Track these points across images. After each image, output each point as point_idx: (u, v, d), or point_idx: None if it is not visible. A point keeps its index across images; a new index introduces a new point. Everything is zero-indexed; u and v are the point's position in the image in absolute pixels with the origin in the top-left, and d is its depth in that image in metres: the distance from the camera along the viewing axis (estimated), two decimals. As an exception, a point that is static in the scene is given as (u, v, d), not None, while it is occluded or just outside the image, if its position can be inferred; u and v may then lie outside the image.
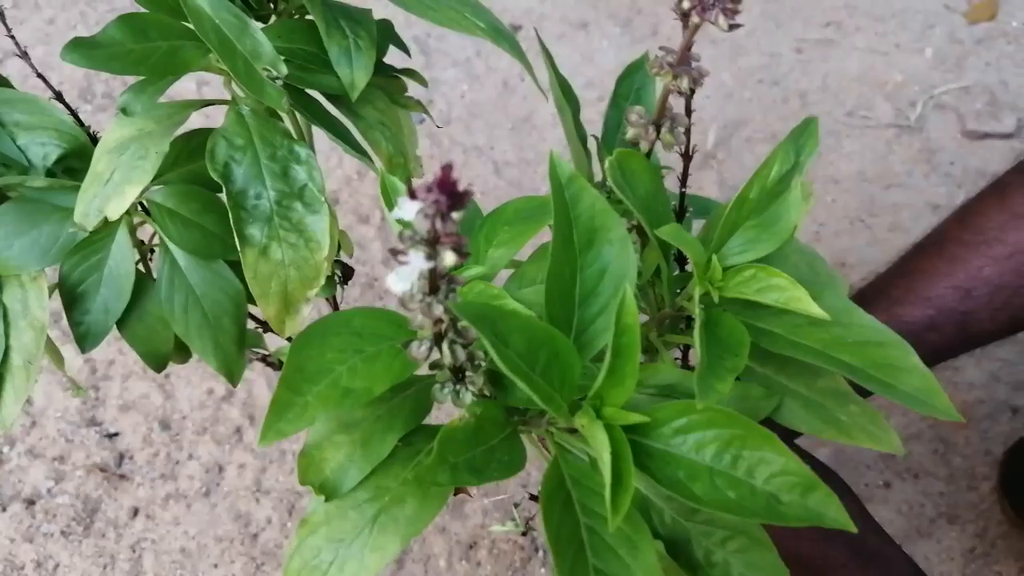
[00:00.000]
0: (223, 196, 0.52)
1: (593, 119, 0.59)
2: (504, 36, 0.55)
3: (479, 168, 1.24)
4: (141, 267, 0.61)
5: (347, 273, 0.76)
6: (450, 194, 0.27)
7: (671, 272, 0.51)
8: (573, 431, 0.42)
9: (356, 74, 0.53)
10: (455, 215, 0.28)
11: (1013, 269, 0.69)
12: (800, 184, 0.47)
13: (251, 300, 0.55)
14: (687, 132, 0.46)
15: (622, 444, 0.38)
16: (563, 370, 0.39)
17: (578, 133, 0.57)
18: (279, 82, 0.51)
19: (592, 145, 0.59)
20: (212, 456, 1.02)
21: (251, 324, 0.66)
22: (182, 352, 0.64)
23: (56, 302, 0.57)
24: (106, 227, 0.56)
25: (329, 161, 1.22)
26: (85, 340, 0.58)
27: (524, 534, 0.98)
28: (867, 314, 0.48)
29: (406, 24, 1.26)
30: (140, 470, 1.01)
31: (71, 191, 0.54)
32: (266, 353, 0.77)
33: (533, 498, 0.95)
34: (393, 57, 0.61)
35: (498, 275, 0.51)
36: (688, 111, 0.45)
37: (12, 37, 0.61)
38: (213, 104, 0.56)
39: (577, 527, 0.39)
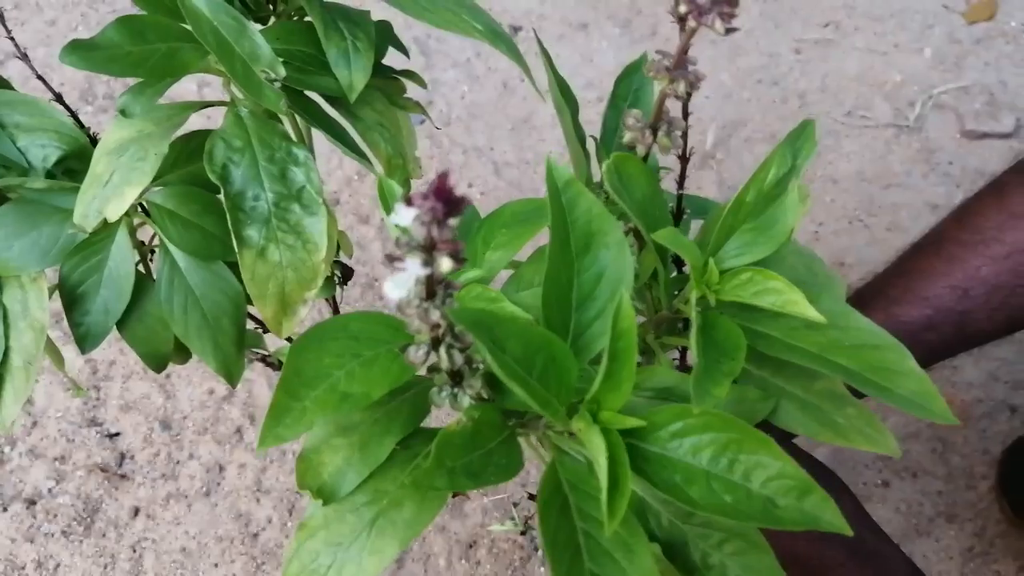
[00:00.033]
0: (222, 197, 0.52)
1: (592, 120, 0.59)
2: (501, 38, 0.55)
3: (479, 169, 1.24)
4: (141, 268, 0.61)
5: (347, 274, 0.76)
6: (446, 201, 0.27)
7: (668, 275, 0.51)
8: (571, 434, 0.42)
9: (354, 76, 0.53)
10: (451, 221, 0.28)
11: (1011, 269, 0.69)
12: (797, 187, 0.47)
13: (250, 301, 0.55)
14: (684, 135, 0.46)
15: (618, 448, 0.38)
16: (560, 375, 0.39)
17: (577, 134, 0.57)
18: (277, 84, 0.51)
19: (591, 146, 0.59)
20: (213, 456, 1.02)
21: (251, 324, 0.66)
22: (182, 353, 0.64)
23: (56, 303, 0.57)
24: (106, 228, 0.56)
25: (330, 162, 1.22)
26: (85, 341, 0.58)
27: (523, 533, 0.98)
28: (864, 317, 0.48)
29: (406, 25, 1.26)
30: (141, 470, 1.01)
31: (71, 192, 0.54)
32: (266, 353, 0.77)
33: (532, 497, 0.95)
34: (393, 58, 0.61)
35: (498, 275, 0.51)
36: (685, 114, 0.45)
37: (12, 39, 0.61)
38: (212, 106, 0.56)
39: (574, 532, 0.39)
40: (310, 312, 0.88)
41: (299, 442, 0.43)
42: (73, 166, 0.57)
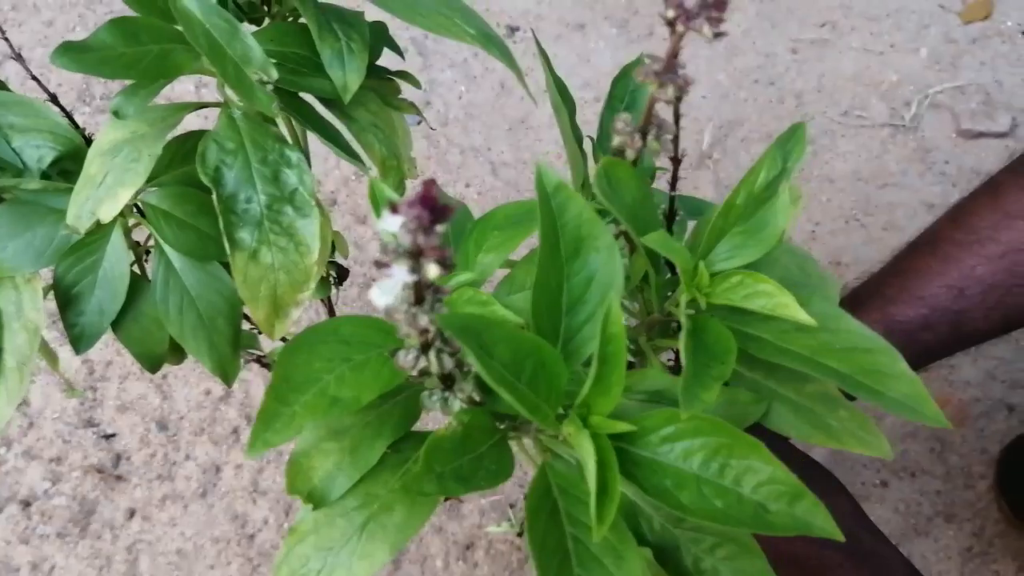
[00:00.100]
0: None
1: (590, 120, 0.59)
2: (494, 42, 0.55)
3: (476, 169, 1.24)
4: (137, 269, 0.61)
5: (342, 274, 0.76)
6: (432, 209, 0.27)
7: (659, 278, 0.51)
8: (562, 438, 0.42)
9: (348, 77, 0.53)
10: (439, 228, 0.28)
11: (1006, 268, 0.69)
12: (788, 189, 0.46)
13: (244, 302, 0.55)
14: (675, 139, 0.45)
15: (608, 453, 0.38)
16: (549, 380, 0.39)
17: (574, 134, 0.57)
18: (270, 86, 0.51)
19: (588, 146, 0.59)
20: (209, 457, 1.02)
21: (246, 325, 0.66)
22: (177, 353, 0.64)
23: (52, 303, 0.57)
24: (100, 229, 0.56)
25: (327, 162, 1.22)
26: (80, 341, 0.58)
27: (520, 535, 0.98)
28: (855, 320, 0.48)
29: (403, 26, 1.26)
30: (137, 471, 1.01)
31: (66, 193, 0.54)
32: (261, 354, 0.77)
33: (529, 498, 0.95)
34: (389, 59, 0.61)
35: (493, 274, 0.51)
36: (676, 118, 0.45)
37: (6, 39, 0.61)
38: (206, 107, 0.56)
39: (563, 537, 0.39)
40: (306, 313, 0.88)
41: (296, 443, 0.43)
42: (68, 167, 0.57)
